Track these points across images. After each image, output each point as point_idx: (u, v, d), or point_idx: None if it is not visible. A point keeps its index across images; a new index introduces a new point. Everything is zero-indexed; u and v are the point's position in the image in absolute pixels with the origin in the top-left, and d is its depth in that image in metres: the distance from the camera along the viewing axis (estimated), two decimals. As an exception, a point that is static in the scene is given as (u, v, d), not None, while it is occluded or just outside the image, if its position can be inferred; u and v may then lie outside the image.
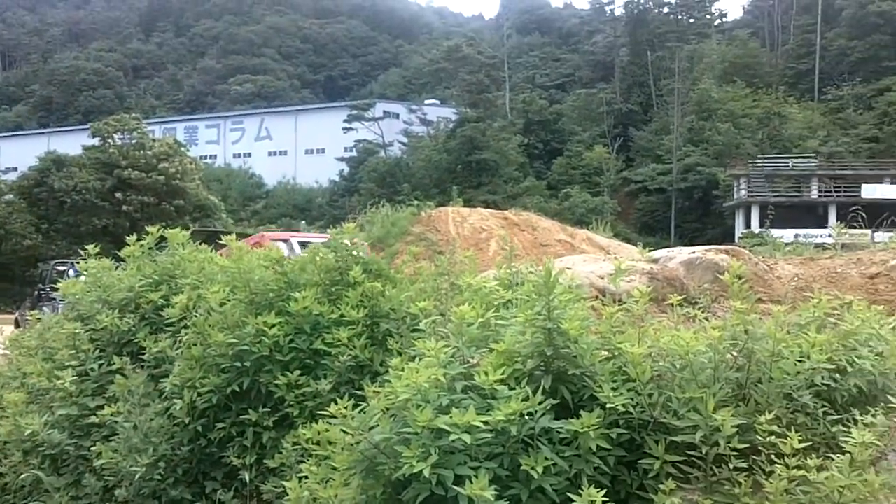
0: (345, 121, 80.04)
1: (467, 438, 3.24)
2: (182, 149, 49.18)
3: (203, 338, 5.16)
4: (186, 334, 5.35)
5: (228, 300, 5.32)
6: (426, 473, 3.20)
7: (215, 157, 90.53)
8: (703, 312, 4.75)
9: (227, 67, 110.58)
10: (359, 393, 3.99)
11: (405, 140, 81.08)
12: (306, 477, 3.89)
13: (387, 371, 3.90)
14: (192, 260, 6.40)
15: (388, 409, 3.57)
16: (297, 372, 4.92)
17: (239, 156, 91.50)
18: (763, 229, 47.09)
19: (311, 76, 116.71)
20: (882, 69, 74.35)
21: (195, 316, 5.38)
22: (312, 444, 3.96)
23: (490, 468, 3.33)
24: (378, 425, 3.52)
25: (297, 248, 12.01)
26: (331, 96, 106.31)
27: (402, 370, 3.59)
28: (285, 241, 12.77)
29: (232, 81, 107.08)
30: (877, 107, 71.91)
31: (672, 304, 4.55)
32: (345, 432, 3.57)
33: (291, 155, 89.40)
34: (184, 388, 5.10)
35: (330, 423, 3.72)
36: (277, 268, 5.43)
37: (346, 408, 3.57)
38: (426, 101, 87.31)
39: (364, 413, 3.62)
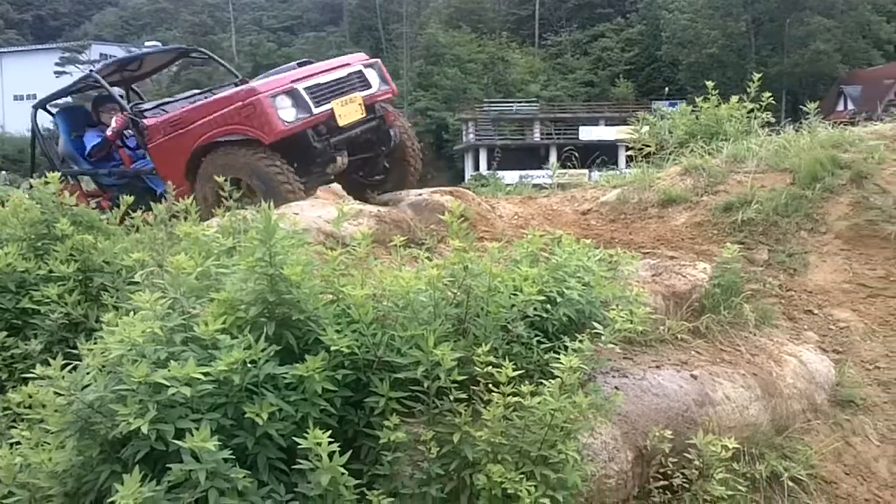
0: (57, 63, 74.72)
1: (187, 391, 3.15)
2: None
3: None
4: None
5: (-82, 259, 4.85)
6: (144, 430, 3.09)
7: None
8: (428, 252, 4.87)
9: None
10: (74, 352, 3.78)
11: (126, 84, 77.11)
12: (18, 443, 3.65)
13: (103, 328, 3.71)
14: None
15: (103, 367, 3.41)
16: (4, 333, 4.59)
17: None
18: (490, 171, 48.97)
19: (17, 15, 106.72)
20: (596, 16, 78.85)
21: None
22: (24, 407, 3.71)
23: (213, 419, 3.26)
24: (92, 384, 3.35)
25: (308, 101, 7.37)
26: (40, 38, 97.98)
27: (116, 325, 3.43)
28: (288, 91, 7.39)
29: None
30: (591, 52, 76.29)
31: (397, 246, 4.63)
32: (57, 393, 3.37)
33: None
34: None
35: (41, 385, 3.50)
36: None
37: (56, 368, 3.37)
38: (146, 43, 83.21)
39: (76, 372, 3.43)
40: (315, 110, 7.36)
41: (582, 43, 78.10)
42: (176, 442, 3.10)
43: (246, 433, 3.34)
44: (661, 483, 4.50)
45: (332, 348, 3.49)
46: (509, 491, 3.38)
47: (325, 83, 7.67)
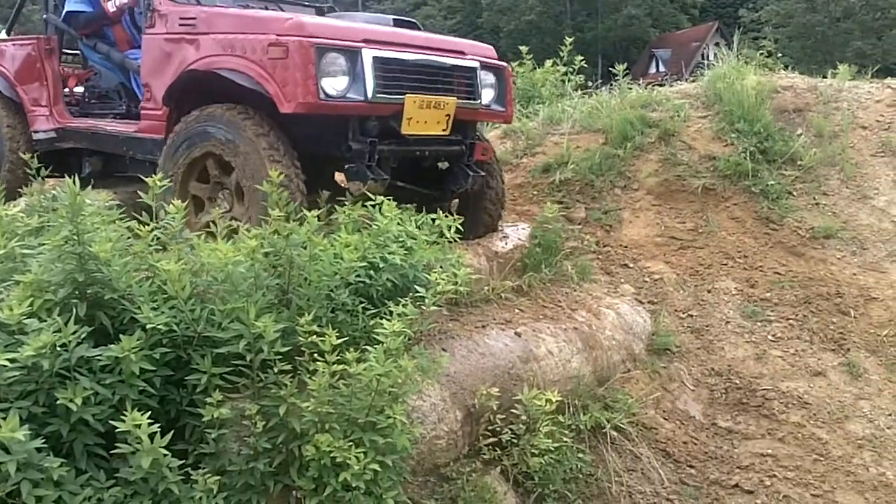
0: None
1: (-8, 380, 2.98)
2: None
3: None
4: None
5: None
6: (-54, 423, 2.90)
7: None
8: (249, 223, 4.77)
9: None
10: None
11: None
12: None
13: None
14: None
15: None
16: None
17: None
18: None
19: None
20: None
21: None
22: None
23: (23, 407, 3.10)
24: None
25: (372, 78, 4.97)
26: None
27: None
28: (349, 52, 4.94)
29: None
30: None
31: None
32: None
33: None
34: None
35: None
36: None
37: None
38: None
39: None
40: (375, 95, 4.99)
41: (405, 11, 77.88)
42: (-19, 435, 2.93)
43: (60, 420, 3.18)
44: (491, 440, 4.60)
45: (149, 326, 3.36)
46: (338, 459, 3.36)
47: (412, 63, 5.23)
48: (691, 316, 6.57)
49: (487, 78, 5.82)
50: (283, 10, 6.48)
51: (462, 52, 5.71)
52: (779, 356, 6.26)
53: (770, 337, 6.43)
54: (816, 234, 7.25)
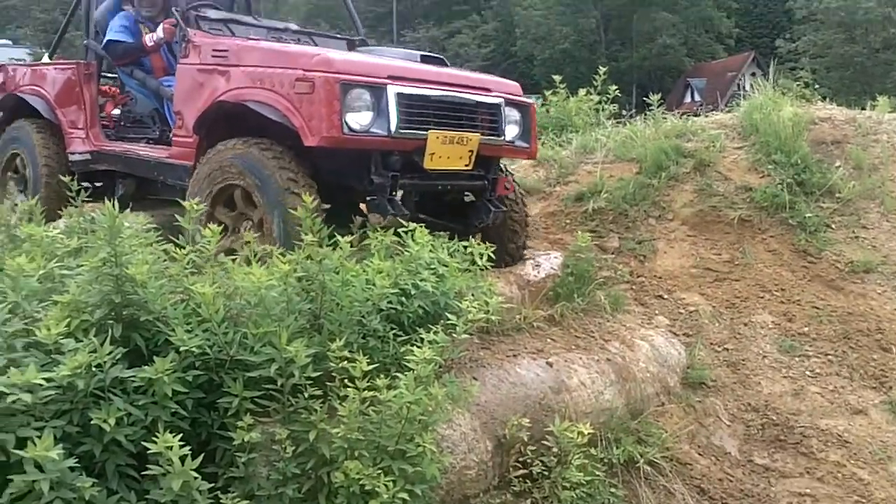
0: None
1: (28, 398, 2.99)
2: None
3: None
4: None
5: None
6: (-18, 441, 2.93)
7: None
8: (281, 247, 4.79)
9: None
10: None
11: (-28, 83, 73.37)
12: None
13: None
14: None
15: (-65, 378, 3.22)
16: None
17: None
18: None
19: None
20: (452, 13, 79.49)
21: None
22: None
23: (57, 426, 3.12)
24: (-78, 396, 3.16)
25: (396, 113, 5.05)
26: None
27: (-50, 333, 3.24)
28: (374, 87, 5.02)
29: None
30: (449, 48, 76.67)
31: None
32: None
33: None
34: None
35: None
36: None
37: None
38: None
39: None
40: (398, 130, 5.06)
41: (440, 39, 78.43)
42: (17, 452, 2.95)
43: (93, 440, 3.21)
44: (521, 472, 4.55)
45: (182, 349, 3.39)
46: (367, 487, 3.35)
47: (436, 99, 5.31)
48: (727, 349, 6.49)
49: (512, 114, 5.88)
50: (315, 43, 6.63)
51: (487, 89, 5.78)
52: (817, 392, 6.16)
53: (808, 372, 6.33)
54: (856, 267, 7.16)
